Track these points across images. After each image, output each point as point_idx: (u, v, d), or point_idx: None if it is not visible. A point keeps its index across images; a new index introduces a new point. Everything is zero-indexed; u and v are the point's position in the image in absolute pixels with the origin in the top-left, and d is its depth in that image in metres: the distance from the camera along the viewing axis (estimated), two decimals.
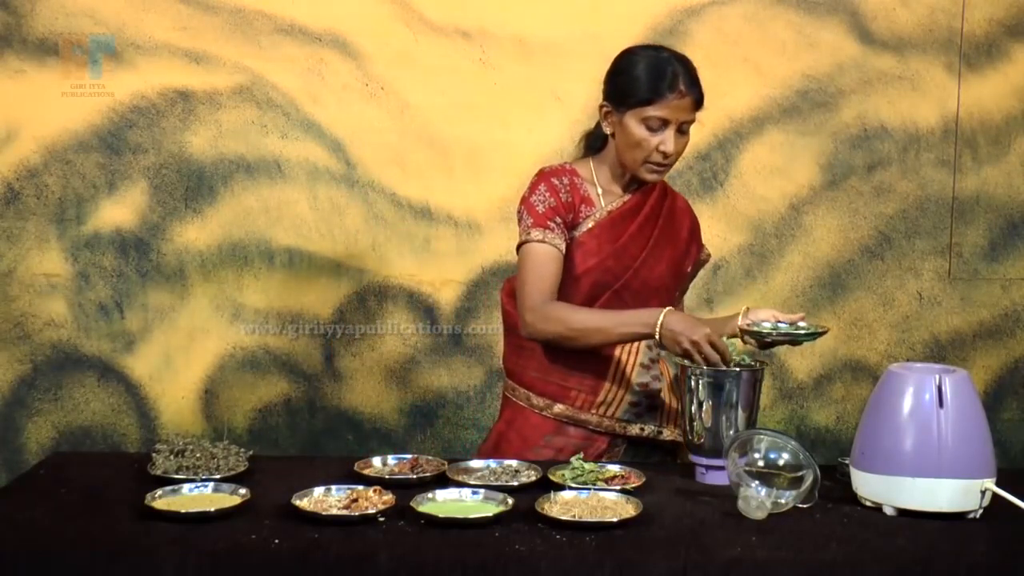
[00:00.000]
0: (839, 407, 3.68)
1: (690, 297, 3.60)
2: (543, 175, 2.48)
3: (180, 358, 3.62)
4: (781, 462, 2.08)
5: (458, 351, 3.63)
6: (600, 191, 2.50)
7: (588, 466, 2.21)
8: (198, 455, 2.22)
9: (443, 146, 3.56)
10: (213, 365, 3.63)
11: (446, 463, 2.27)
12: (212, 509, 1.97)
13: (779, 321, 2.38)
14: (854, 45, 3.57)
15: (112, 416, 3.62)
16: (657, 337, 2.29)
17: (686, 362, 2.30)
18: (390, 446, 3.55)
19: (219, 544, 1.85)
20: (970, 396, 2.06)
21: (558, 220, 2.43)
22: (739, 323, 2.36)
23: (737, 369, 2.25)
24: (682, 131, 2.40)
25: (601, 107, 2.46)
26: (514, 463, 2.28)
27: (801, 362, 3.66)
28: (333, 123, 3.56)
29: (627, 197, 2.50)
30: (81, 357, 3.60)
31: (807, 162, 3.61)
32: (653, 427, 2.49)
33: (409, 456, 2.32)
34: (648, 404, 2.49)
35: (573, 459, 2.25)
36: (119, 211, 3.57)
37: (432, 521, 1.93)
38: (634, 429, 2.48)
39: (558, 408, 2.47)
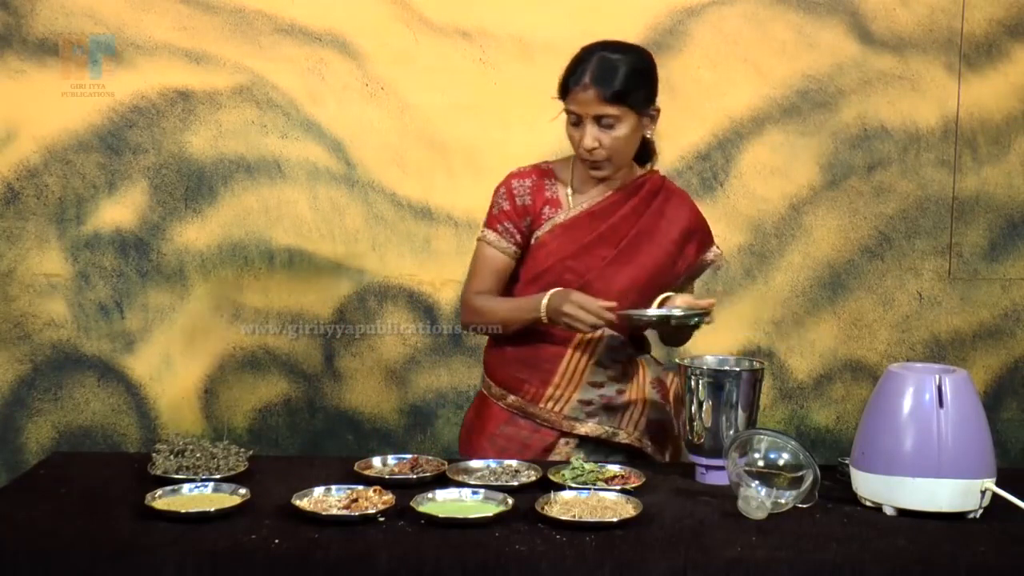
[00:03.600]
0: (839, 407, 3.68)
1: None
2: (508, 177, 2.54)
3: (180, 358, 3.62)
4: (781, 462, 2.08)
5: (458, 351, 3.63)
6: (570, 191, 2.51)
7: (588, 466, 2.21)
8: (198, 455, 2.22)
9: (443, 146, 3.56)
10: (213, 365, 3.63)
11: (446, 463, 2.27)
12: (212, 509, 1.97)
13: (687, 308, 2.36)
14: (854, 45, 3.57)
15: (112, 416, 3.62)
16: (544, 317, 2.37)
17: (685, 362, 2.30)
18: (390, 446, 3.55)
19: (219, 544, 1.85)
20: (970, 396, 2.06)
21: (507, 224, 2.49)
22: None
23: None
24: (604, 125, 2.38)
25: None
26: (514, 463, 2.28)
27: (801, 362, 3.66)
28: (333, 123, 3.56)
29: (601, 196, 2.49)
30: (81, 357, 3.60)
31: (807, 162, 3.61)
32: (608, 428, 2.48)
33: (409, 456, 2.32)
34: (603, 404, 2.48)
35: (573, 459, 2.26)
36: (119, 211, 3.57)
37: (432, 521, 1.93)
38: (583, 428, 2.47)
39: (511, 399, 2.50)
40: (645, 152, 2.57)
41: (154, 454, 2.23)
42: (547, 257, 2.47)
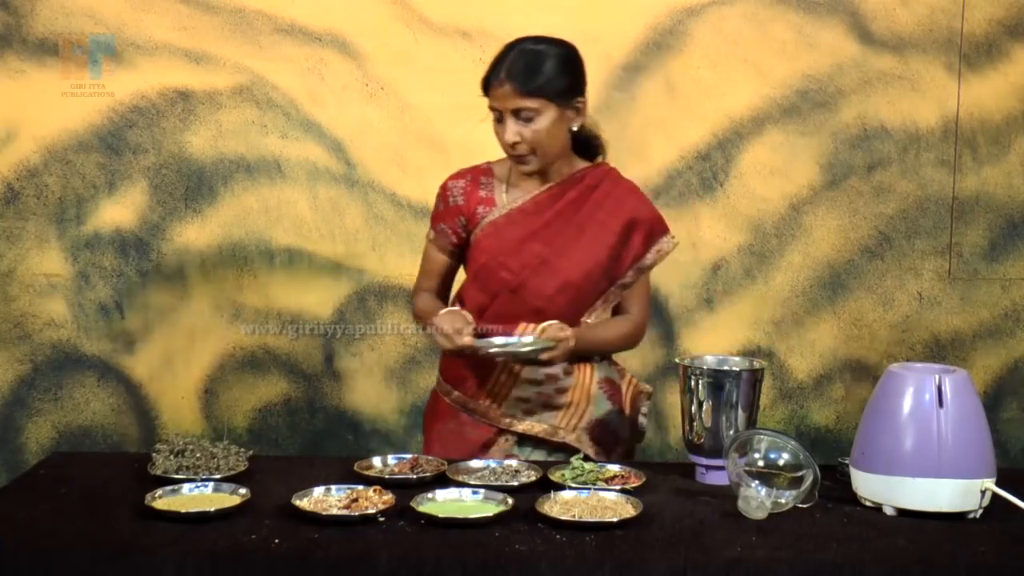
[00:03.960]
0: (839, 407, 3.68)
1: (690, 297, 3.62)
2: (447, 178, 2.59)
3: (180, 358, 3.62)
4: (781, 462, 2.08)
5: None
6: (507, 189, 2.52)
7: (588, 466, 2.22)
8: (198, 455, 2.22)
9: (443, 146, 3.55)
10: (213, 365, 3.63)
11: (446, 463, 2.27)
12: (212, 509, 1.97)
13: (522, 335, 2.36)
14: (854, 45, 3.57)
15: (112, 416, 3.63)
16: (429, 328, 2.44)
17: (685, 362, 2.30)
18: (390, 446, 3.55)
19: (219, 544, 1.85)
20: (970, 396, 2.06)
21: (442, 225, 2.57)
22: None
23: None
24: (523, 119, 2.38)
25: None
26: (514, 463, 2.28)
27: (801, 362, 3.67)
28: (333, 123, 3.56)
29: (537, 193, 2.49)
30: (81, 357, 3.60)
31: (807, 162, 3.61)
32: (548, 426, 2.47)
33: (409, 456, 2.32)
34: (542, 402, 2.47)
35: (573, 459, 2.26)
36: (119, 211, 3.57)
37: (432, 521, 1.93)
38: (521, 425, 2.47)
39: (455, 394, 2.53)
40: (591, 146, 2.56)
41: (154, 454, 2.23)
42: (482, 256, 2.49)
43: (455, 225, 2.54)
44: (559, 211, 2.48)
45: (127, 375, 3.62)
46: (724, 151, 3.60)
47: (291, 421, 3.64)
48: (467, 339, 2.33)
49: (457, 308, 2.47)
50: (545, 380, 2.47)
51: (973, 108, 3.59)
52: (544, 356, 2.35)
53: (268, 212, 3.58)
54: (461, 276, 2.66)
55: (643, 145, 3.58)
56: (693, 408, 2.26)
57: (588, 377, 2.51)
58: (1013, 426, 3.68)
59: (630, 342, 2.60)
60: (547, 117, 2.39)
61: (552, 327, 2.38)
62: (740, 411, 2.24)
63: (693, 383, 2.26)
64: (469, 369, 2.49)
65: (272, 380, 3.64)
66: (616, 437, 2.54)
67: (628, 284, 2.54)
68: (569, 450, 2.45)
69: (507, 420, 2.48)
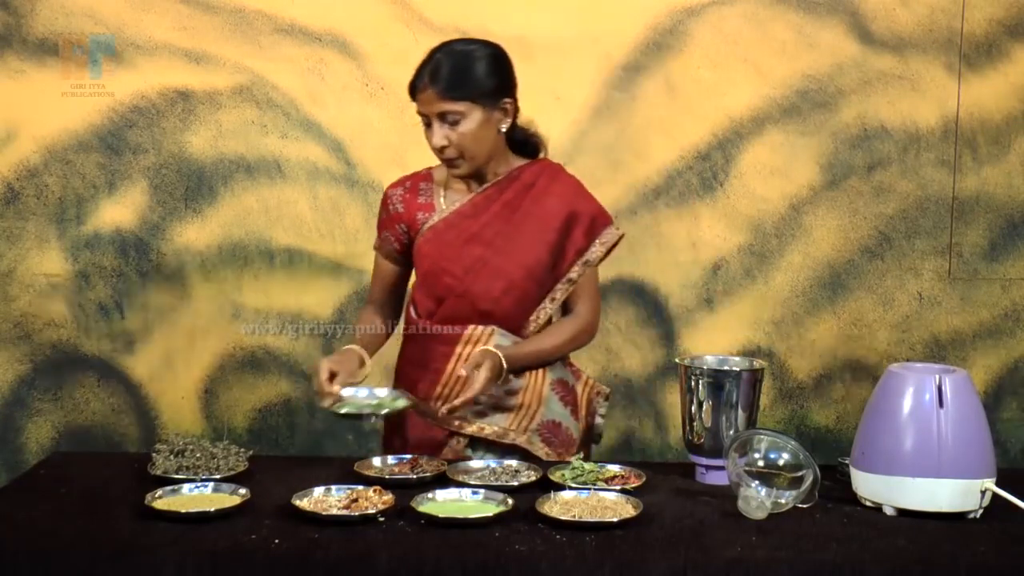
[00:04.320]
0: (839, 407, 3.68)
1: (690, 297, 3.62)
2: (386, 188, 2.60)
3: (180, 358, 3.62)
4: (781, 462, 2.08)
5: None
6: (444, 194, 2.52)
7: (588, 466, 2.22)
8: (198, 455, 2.22)
9: None
10: (213, 365, 3.63)
11: (446, 463, 2.28)
12: (212, 509, 1.98)
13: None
14: (854, 45, 3.57)
15: (112, 416, 3.62)
16: None
17: (685, 362, 2.30)
18: None
19: (219, 544, 1.86)
20: (970, 396, 2.06)
21: (385, 234, 2.58)
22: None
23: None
24: (450, 122, 2.37)
25: None
26: (514, 463, 2.29)
27: (801, 362, 3.66)
28: (333, 123, 3.56)
29: (473, 195, 2.49)
30: (81, 357, 3.60)
31: (807, 162, 3.61)
32: (498, 428, 2.45)
33: (409, 456, 2.33)
34: (492, 404, 2.45)
35: (573, 459, 2.26)
36: (119, 211, 3.57)
37: (432, 521, 1.94)
38: (471, 427, 2.45)
39: None
40: (529, 144, 2.54)
41: (154, 454, 2.23)
42: (424, 262, 2.49)
43: (397, 232, 2.54)
44: (496, 212, 2.47)
45: (127, 375, 3.62)
46: (724, 151, 3.60)
47: (291, 421, 3.64)
48: (325, 402, 2.31)
49: (353, 348, 2.44)
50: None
51: (973, 108, 3.59)
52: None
53: (268, 212, 3.58)
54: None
55: (643, 145, 3.58)
56: (693, 408, 2.27)
57: (540, 379, 2.49)
58: (1013, 426, 3.68)
59: (579, 342, 2.56)
60: (473, 120, 2.37)
61: (474, 357, 2.37)
62: (740, 411, 2.24)
63: (693, 383, 2.26)
64: (420, 373, 2.49)
65: (272, 380, 3.64)
66: (569, 439, 2.52)
67: (575, 280, 2.52)
68: (521, 452, 2.44)
69: (457, 422, 2.45)
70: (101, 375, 3.61)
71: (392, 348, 3.61)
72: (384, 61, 3.54)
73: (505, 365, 2.38)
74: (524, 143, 2.53)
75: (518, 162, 2.52)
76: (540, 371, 2.49)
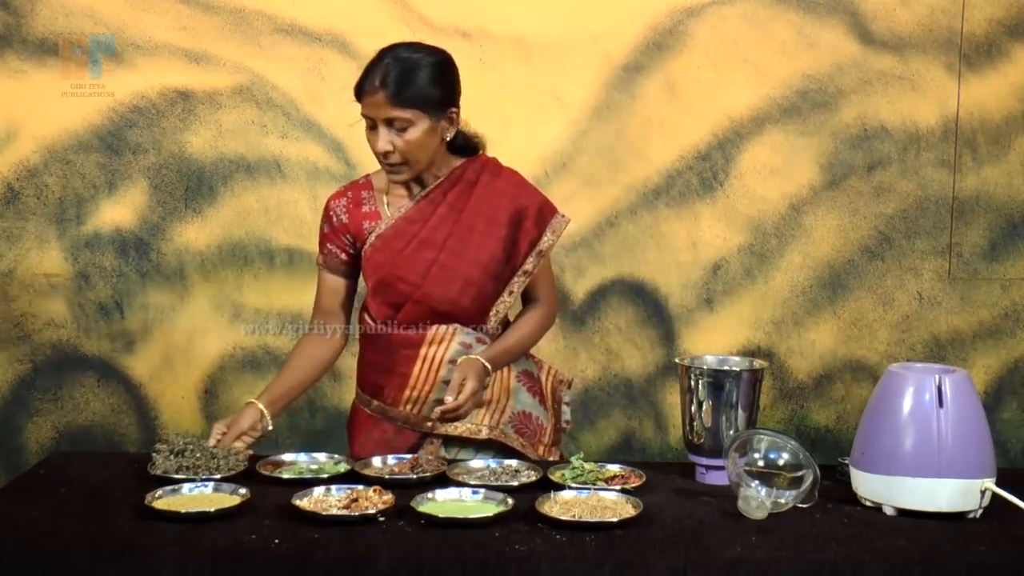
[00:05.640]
0: (839, 407, 3.68)
1: (690, 297, 3.62)
2: (328, 198, 2.57)
3: (180, 358, 3.62)
4: (781, 462, 2.08)
5: None
6: (388, 201, 2.51)
7: (588, 466, 2.21)
8: (198, 455, 2.22)
9: None
10: (213, 365, 3.63)
11: (446, 463, 2.28)
12: (212, 509, 1.97)
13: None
14: (854, 45, 3.57)
15: (112, 416, 3.63)
16: None
17: (685, 362, 2.30)
18: None
19: (219, 544, 1.85)
20: (970, 396, 2.06)
21: (330, 247, 2.55)
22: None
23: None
24: (398, 128, 2.35)
25: None
26: (514, 463, 2.28)
27: (801, 362, 3.66)
28: (333, 123, 3.56)
29: (417, 200, 2.47)
30: (81, 357, 3.60)
31: (807, 162, 3.61)
32: (471, 425, 2.45)
33: (409, 456, 2.32)
34: None
35: (573, 459, 2.26)
36: (119, 211, 3.57)
37: (432, 521, 1.94)
38: (443, 427, 2.45)
39: (375, 404, 2.52)
40: (470, 146, 2.53)
41: (154, 454, 2.23)
42: (375, 271, 2.48)
43: (343, 244, 2.53)
44: (443, 214, 2.46)
45: (127, 375, 3.62)
46: (724, 151, 3.60)
47: (291, 421, 3.64)
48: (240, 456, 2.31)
49: (255, 403, 2.43)
50: None
51: (973, 108, 3.59)
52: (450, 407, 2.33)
53: (268, 212, 3.58)
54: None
55: (643, 145, 3.58)
56: (693, 408, 2.27)
57: (506, 372, 2.50)
58: (1013, 426, 3.68)
59: (545, 327, 2.60)
60: (420, 128, 2.36)
61: (459, 369, 2.37)
62: (740, 411, 2.24)
63: (693, 383, 2.26)
64: (386, 377, 2.48)
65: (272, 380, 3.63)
66: (541, 428, 2.53)
67: (530, 271, 2.52)
68: (496, 445, 2.45)
69: (429, 424, 2.46)
70: (101, 375, 3.61)
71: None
72: None
73: (489, 368, 2.40)
74: (465, 145, 2.52)
75: (456, 161, 2.51)
76: (509, 371, 2.51)
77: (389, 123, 2.35)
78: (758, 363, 2.32)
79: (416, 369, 2.45)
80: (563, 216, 2.56)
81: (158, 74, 3.53)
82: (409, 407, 2.46)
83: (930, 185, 3.62)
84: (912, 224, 3.63)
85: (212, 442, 2.33)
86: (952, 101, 3.59)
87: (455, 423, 2.44)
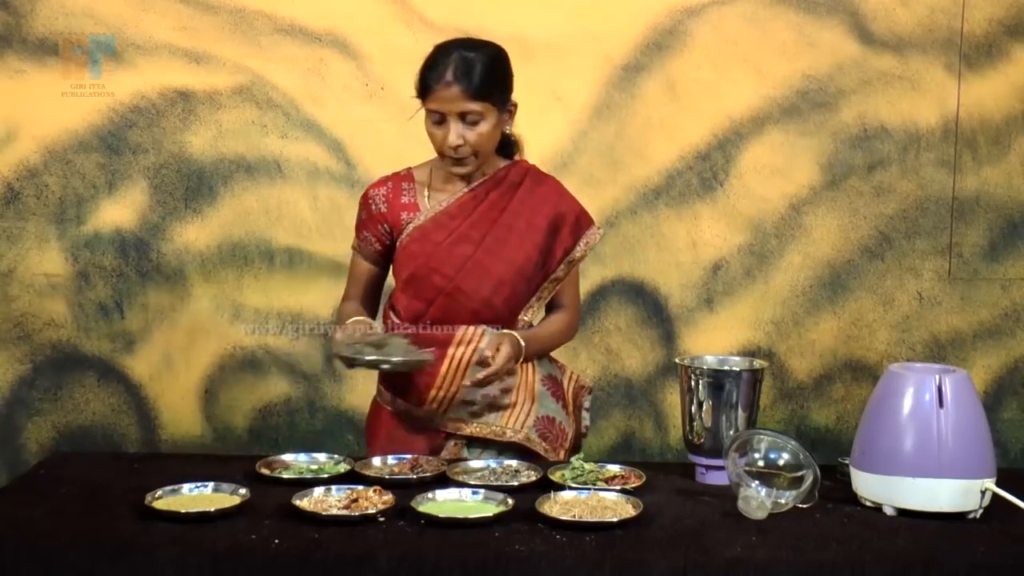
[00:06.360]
0: (839, 407, 3.68)
1: (690, 297, 3.62)
2: (367, 189, 2.59)
3: (180, 358, 3.62)
4: (781, 462, 2.08)
5: None
6: (428, 194, 2.52)
7: (588, 466, 2.21)
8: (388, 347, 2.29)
9: None
10: (213, 365, 3.63)
11: (446, 463, 2.28)
12: (212, 509, 1.97)
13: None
14: (854, 45, 3.57)
15: (112, 416, 3.63)
16: None
17: (685, 362, 2.30)
18: None
19: (219, 544, 1.85)
20: (970, 396, 2.06)
21: (366, 234, 2.56)
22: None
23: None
24: (469, 122, 2.38)
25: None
26: (514, 463, 2.28)
27: (801, 362, 3.66)
28: (333, 123, 3.56)
29: (460, 195, 2.49)
30: (81, 357, 3.60)
31: (807, 162, 3.61)
32: (495, 427, 2.46)
33: (409, 456, 2.32)
34: (487, 403, 2.46)
35: (573, 459, 2.25)
36: (119, 211, 3.57)
37: (432, 521, 1.93)
38: (468, 428, 2.46)
39: (398, 403, 2.51)
40: (508, 145, 2.56)
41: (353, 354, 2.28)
42: (410, 261, 2.48)
43: (379, 233, 2.53)
44: (484, 212, 2.48)
45: (127, 375, 3.62)
46: (724, 151, 3.60)
47: (291, 421, 3.64)
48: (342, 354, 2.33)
49: (362, 318, 2.48)
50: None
51: (973, 108, 3.59)
52: (487, 373, 2.35)
53: (268, 212, 3.58)
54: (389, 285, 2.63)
55: (643, 145, 3.58)
56: (693, 408, 2.27)
57: (531, 375, 2.51)
58: (1013, 426, 3.68)
59: (568, 336, 2.62)
60: (489, 121, 2.40)
61: (493, 338, 2.39)
62: (740, 411, 2.24)
63: (693, 383, 2.26)
64: (411, 376, 2.47)
65: (272, 380, 3.64)
66: (563, 434, 2.53)
67: (560, 278, 2.55)
68: (518, 448, 2.45)
69: (454, 425, 2.46)
70: (101, 375, 3.61)
71: None
72: (384, 61, 3.54)
73: (523, 344, 2.41)
74: (504, 144, 2.55)
75: (501, 162, 2.54)
76: (530, 367, 2.51)
77: (461, 117, 2.38)
78: (758, 363, 2.32)
79: (443, 369, 2.44)
80: (599, 229, 2.60)
81: (158, 74, 3.53)
82: (435, 407, 2.46)
83: (930, 185, 3.62)
84: (912, 224, 3.63)
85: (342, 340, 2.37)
86: (952, 101, 3.59)
87: (479, 424, 2.45)
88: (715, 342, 3.57)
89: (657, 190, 3.59)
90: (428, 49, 3.54)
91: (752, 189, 3.61)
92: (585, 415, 2.64)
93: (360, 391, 3.63)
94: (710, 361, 2.35)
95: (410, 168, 2.58)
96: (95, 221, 3.57)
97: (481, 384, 2.38)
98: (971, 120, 3.59)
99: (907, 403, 2.04)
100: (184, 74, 3.53)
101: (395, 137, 3.54)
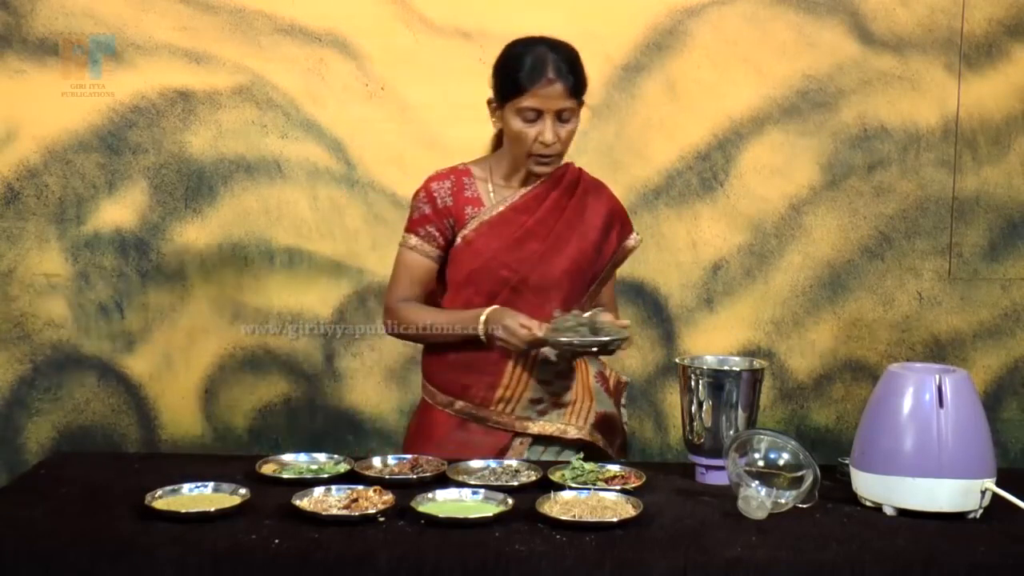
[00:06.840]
0: (839, 407, 3.68)
1: (690, 297, 3.62)
2: (427, 180, 2.54)
3: (180, 358, 3.62)
4: (781, 462, 2.08)
5: None
6: (491, 189, 2.51)
7: (588, 466, 2.22)
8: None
9: (443, 146, 3.55)
10: (213, 365, 3.63)
11: (446, 463, 2.27)
12: (212, 509, 1.97)
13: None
14: (854, 45, 3.57)
15: (112, 416, 3.63)
16: (481, 330, 2.37)
17: (685, 362, 2.30)
18: (390, 446, 3.55)
19: (219, 544, 1.85)
20: (970, 396, 2.06)
21: (429, 228, 2.50)
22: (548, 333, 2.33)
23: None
24: (563, 120, 2.40)
25: (488, 103, 2.48)
26: (514, 463, 2.28)
27: (801, 362, 3.66)
28: (333, 123, 3.56)
29: (524, 191, 2.50)
30: (81, 357, 3.60)
31: (807, 162, 3.61)
32: (559, 425, 2.47)
33: (409, 456, 2.32)
34: (553, 402, 2.47)
35: (573, 459, 2.26)
36: (119, 211, 3.57)
37: (432, 521, 1.93)
38: (535, 427, 2.46)
39: (459, 404, 2.49)
40: None
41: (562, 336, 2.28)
42: (476, 256, 2.47)
43: (443, 227, 2.50)
44: (549, 209, 2.49)
45: (127, 375, 3.62)
46: (724, 151, 3.60)
47: (291, 421, 3.64)
48: (539, 332, 2.31)
49: (498, 306, 2.42)
50: (554, 379, 2.48)
51: (973, 108, 3.59)
52: (620, 347, 2.35)
53: (268, 212, 3.58)
54: None
55: (643, 145, 3.58)
56: (693, 408, 2.26)
57: (585, 373, 2.53)
58: (1013, 426, 3.68)
59: None
60: (576, 118, 2.44)
61: (610, 316, 2.38)
62: (740, 411, 2.24)
63: (693, 383, 2.26)
64: (475, 376, 2.46)
65: (272, 380, 3.64)
66: (619, 429, 2.57)
67: (605, 279, 2.59)
68: (577, 446, 2.45)
69: (522, 423, 2.47)
70: (101, 375, 3.61)
71: (392, 346, 3.62)
72: (384, 61, 3.54)
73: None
74: None
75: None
76: (583, 364, 2.53)
77: (559, 114, 2.39)
78: (758, 363, 2.32)
79: (509, 367, 2.45)
80: (636, 235, 2.63)
81: (158, 74, 3.53)
82: (502, 406, 2.46)
83: (930, 185, 3.62)
84: (912, 224, 3.63)
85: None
86: (952, 101, 3.59)
87: (543, 423, 2.45)
88: (715, 342, 3.58)
89: (657, 190, 3.59)
90: (428, 49, 3.57)
91: (752, 189, 3.61)
92: (624, 411, 2.65)
93: (360, 391, 3.64)
94: (710, 361, 2.35)
95: (466, 164, 2.57)
96: (95, 221, 3.57)
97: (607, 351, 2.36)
98: (971, 120, 3.59)
99: (907, 403, 2.04)
100: (184, 74, 3.53)
101: (395, 137, 3.55)
